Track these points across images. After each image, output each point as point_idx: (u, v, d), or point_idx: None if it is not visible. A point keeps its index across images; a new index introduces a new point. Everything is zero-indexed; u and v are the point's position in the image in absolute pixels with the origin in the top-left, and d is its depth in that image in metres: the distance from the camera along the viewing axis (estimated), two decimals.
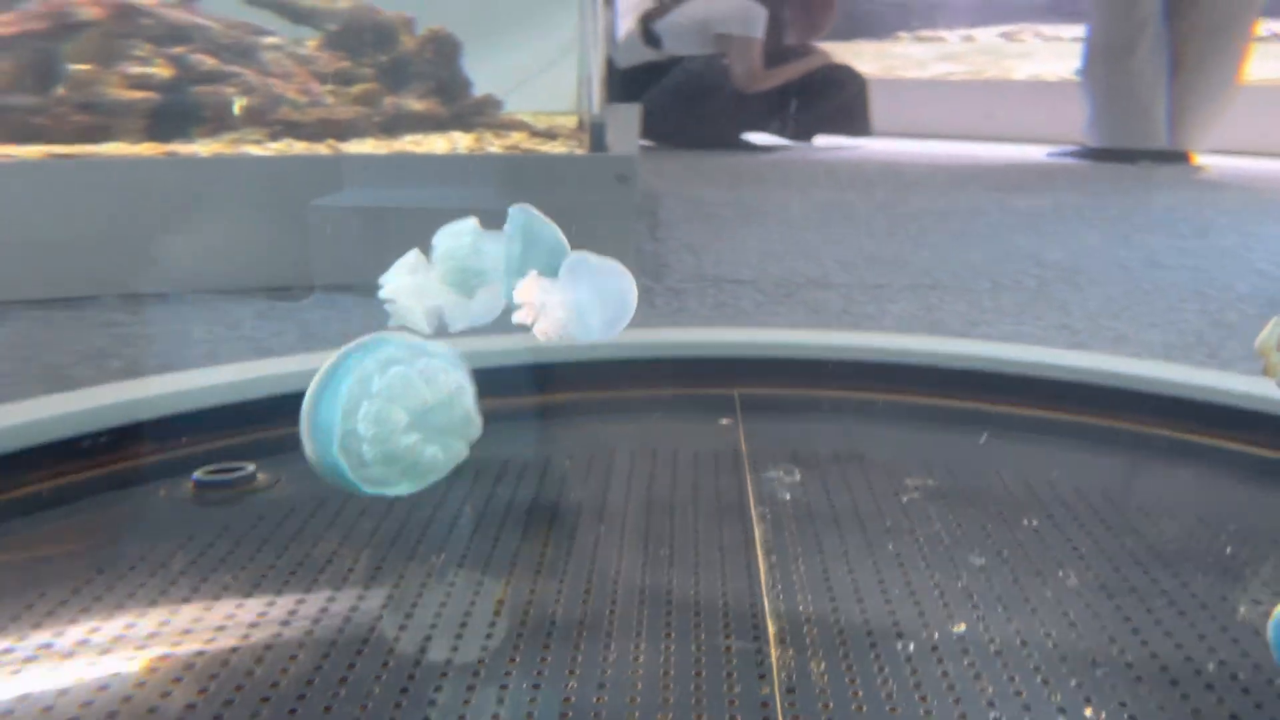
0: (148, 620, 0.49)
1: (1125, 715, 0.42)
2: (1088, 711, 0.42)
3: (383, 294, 0.62)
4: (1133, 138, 3.23)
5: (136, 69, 1.67)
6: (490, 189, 1.59)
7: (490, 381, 0.80)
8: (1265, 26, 3.78)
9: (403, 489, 0.53)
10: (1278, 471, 0.73)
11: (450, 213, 0.66)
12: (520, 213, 0.63)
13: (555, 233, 0.64)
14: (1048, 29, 4.19)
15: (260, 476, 0.66)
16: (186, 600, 0.51)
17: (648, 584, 0.53)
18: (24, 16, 1.63)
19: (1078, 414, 0.80)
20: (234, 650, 0.47)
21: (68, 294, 1.42)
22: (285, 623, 0.49)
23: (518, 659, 0.46)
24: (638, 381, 0.84)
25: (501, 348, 0.82)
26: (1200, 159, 3.23)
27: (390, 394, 0.45)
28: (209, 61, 1.74)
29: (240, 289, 1.50)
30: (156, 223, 1.47)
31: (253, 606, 0.51)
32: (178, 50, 1.72)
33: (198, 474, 0.65)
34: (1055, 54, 3.92)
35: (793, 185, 2.92)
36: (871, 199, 2.63)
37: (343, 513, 0.61)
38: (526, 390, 0.82)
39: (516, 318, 0.62)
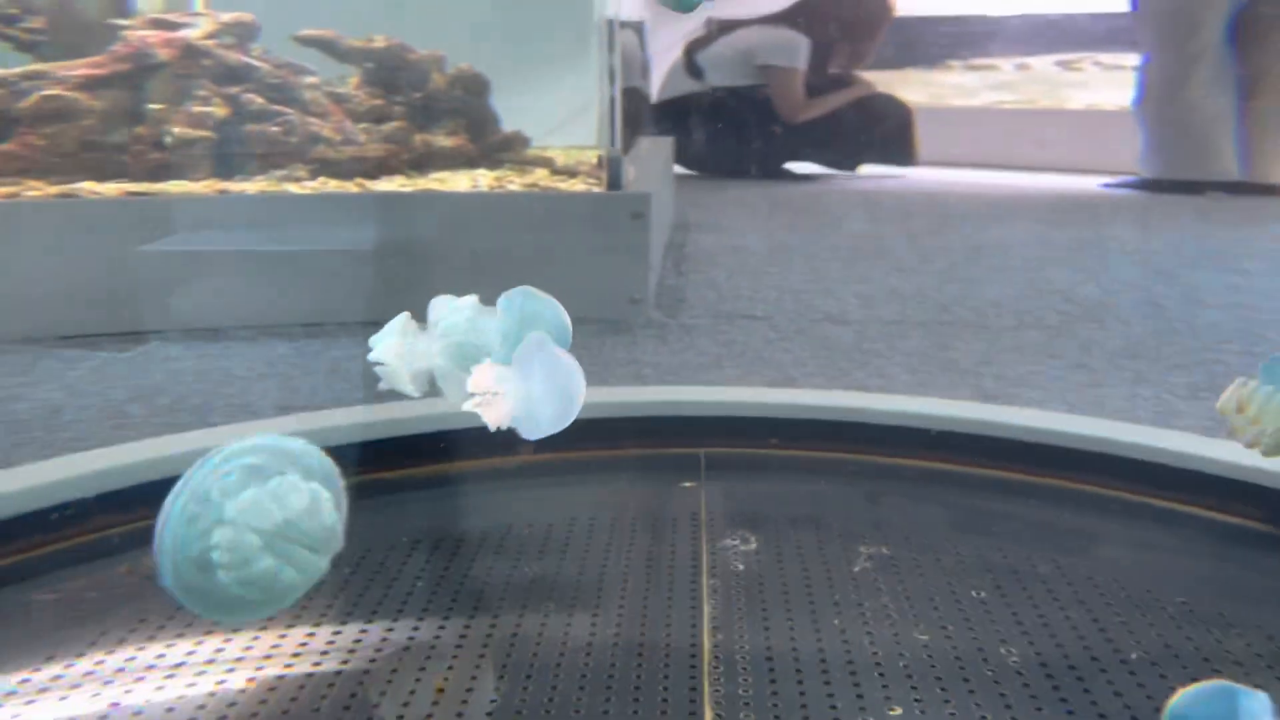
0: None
1: None
2: None
3: (372, 356, 0.62)
4: (1192, 169, 3.11)
5: (198, 108, 1.75)
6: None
7: (446, 444, 0.80)
8: None
9: (261, 613, 0.50)
10: (1236, 539, 0.68)
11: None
12: (518, 295, 0.62)
13: (556, 312, 0.64)
14: (1107, 58, 4.07)
15: None
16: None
17: (590, 667, 0.52)
18: (113, 59, 1.72)
19: (1036, 474, 0.76)
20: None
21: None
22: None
23: None
24: (604, 442, 0.83)
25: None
26: None
27: (244, 518, 0.44)
28: (258, 100, 1.81)
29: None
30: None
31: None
32: (233, 90, 1.80)
33: None
34: (1114, 83, 3.81)
35: (828, 216, 2.89)
36: (906, 231, 2.58)
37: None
38: (489, 452, 0.81)
39: (466, 405, 0.61)
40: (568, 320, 0.62)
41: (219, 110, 1.76)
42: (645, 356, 1.38)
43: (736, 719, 0.47)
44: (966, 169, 3.74)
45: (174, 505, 0.43)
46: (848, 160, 3.70)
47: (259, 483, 0.45)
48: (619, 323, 1.54)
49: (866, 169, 3.70)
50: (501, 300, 0.61)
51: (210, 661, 0.51)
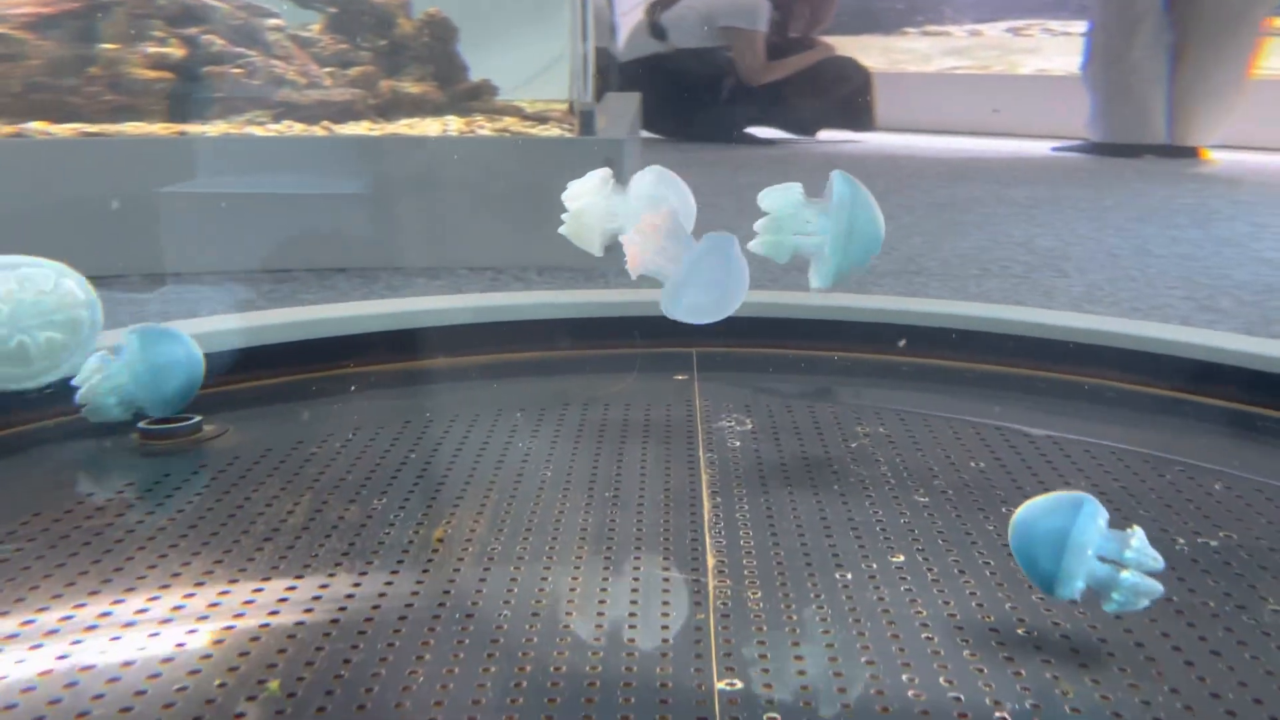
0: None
1: (1057, 634, 0.46)
2: (1019, 631, 0.46)
3: (566, 202, 0.64)
4: (1132, 132, 3.25)
5: (154, 49, 1.73)
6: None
7: (464, 338, 0.85)
8: None
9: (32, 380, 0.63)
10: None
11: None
12: (844, 183, 0.63)
13: (875, 222, 0.63)
14: (1056, 24, 4.20)
15: (207, 427, 0.69)
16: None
17: (590, 522, 0.57)
18: None
19: (1028, 367, 0.84)
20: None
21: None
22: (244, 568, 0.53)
23: (452, 591, 0.49)
24: (598, 341, 0.88)
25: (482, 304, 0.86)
26: (1212, 154, 3.23)
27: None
28: (218, 42, 1.79)
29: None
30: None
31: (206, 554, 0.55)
32: (191, 31, 1.78)
33: (142, 424, 0.67)
34: (1062, 49, 3.93)
35: (791, 176, 2.94)
36: (869, 190, 2.66)
37: (288, 460, 0.64)
38: (495, 347, 0.86)
39: (626, 235, 0.62)
40: (881, 230, 0.63)
41: (175, 50, 1.74)
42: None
43: (738, 566, 0.52)
44: (923, 134, 3.84)
45: None
46: (807, 125, 3.76)
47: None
48: (593, 270, 1.58)
49: (825, 134, 3.77)
50: (837, 183, 0.62)
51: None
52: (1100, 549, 0.44)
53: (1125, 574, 0.43)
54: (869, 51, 4.08)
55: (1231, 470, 0.66)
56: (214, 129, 1.73)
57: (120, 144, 1.60)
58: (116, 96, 1.69)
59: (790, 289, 1.62)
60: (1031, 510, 0.45)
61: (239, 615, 0.47)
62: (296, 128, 1.76)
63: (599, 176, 0.65)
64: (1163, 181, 2.79)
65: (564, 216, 0.66)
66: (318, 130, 1.77)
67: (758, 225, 0.64)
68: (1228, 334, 0.84)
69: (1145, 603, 0.44)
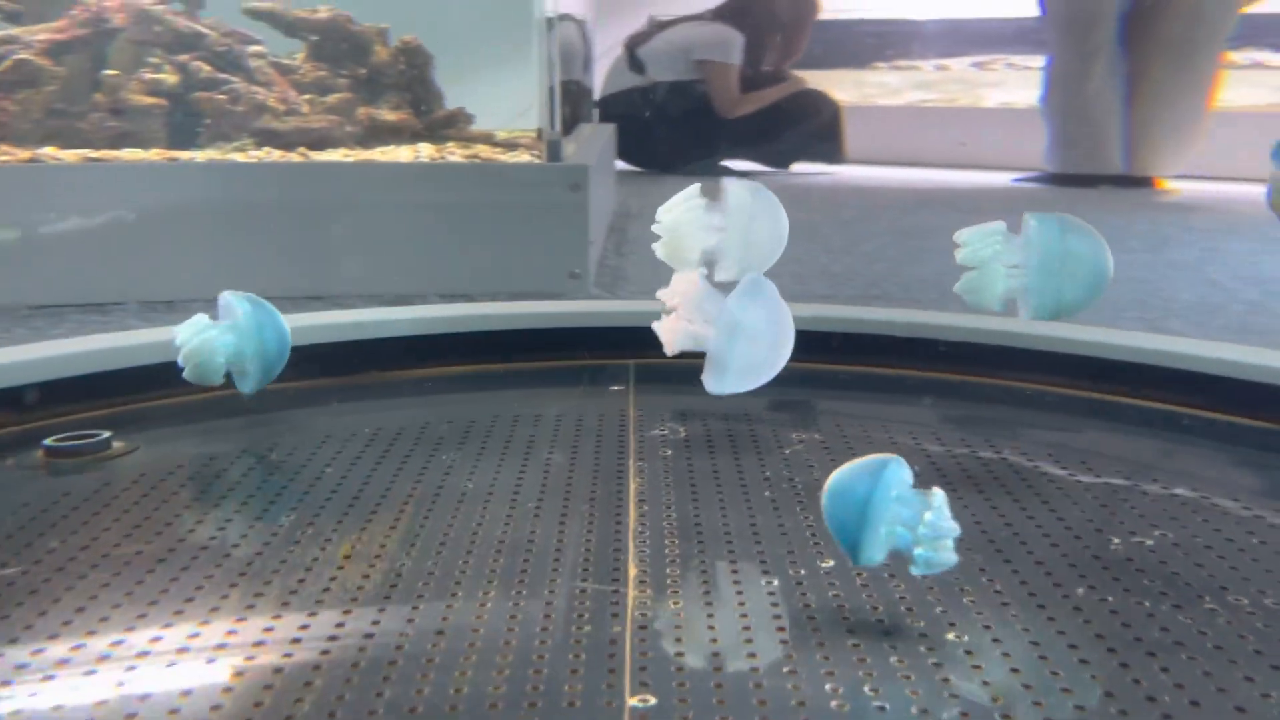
0: None
1: (989, 639, 0.44)
2: (949, 635, 0.44)
3: (660, 224, 0.61)
4: (1088, 163, 3.30)
5: (151, 75, 1.75)
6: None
7: (393, 352, 0.83)
8: (1245, 55, 3.85)
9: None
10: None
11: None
12: (1048, 224, 0.59)
13: (1096, 255, 0.59)
14: (1018, 59, 4.28)
15: (116, 444, 0.66)
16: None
17: (509, 535, 0.54)
18: (72, 23, 1.69)
19: (964, 374, 0.84)
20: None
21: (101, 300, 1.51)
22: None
23: (352, 610, 0.46)
24: (535, 353, 0.87)
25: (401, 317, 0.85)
26: (1170, 184, 3.28)
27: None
28: (205, 68, 1.80)
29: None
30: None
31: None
32: (183, 58, 1.79)
33: (48, 441, 0.64)
34: (1025, 82, 4.00)
35: None
36: (836, 219, 2.68)
37: (196, 477, 0.62)
38: (432, 360, 0.84)
39: (655, 325, 0.59)
40: (1109, 264, 0.59)
41: (170, 77, 1.76)
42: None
43: (661, 577, 0.50)
44: (893, 166, 3.88)
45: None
46: (781, 157, 3.79)
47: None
48: (559, 296, 1.57)
49: (798, 166, 3.80)
50: (1034, 222, 0.58)
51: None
52: (899, 515, 0.43)
53: (922, 531, 0.43)
54: (841, 85, 4.14)
55: (1164, 469, 0.65)
56: (202, 155, 1.74)
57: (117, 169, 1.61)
58: (117, 122, 1.71)
59: None
60: (839, 477, 0.45)
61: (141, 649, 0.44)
62: (275, 154, 1.76)
63: (691, 193, 0.62)
64: (1118, 210, 2.83)
65: (658, 229, 0.62)
66: (294, 157, 1.77)
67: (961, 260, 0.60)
68: (1162, 336, 0.84)
69: (944, 568, 0.43)
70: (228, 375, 0.67)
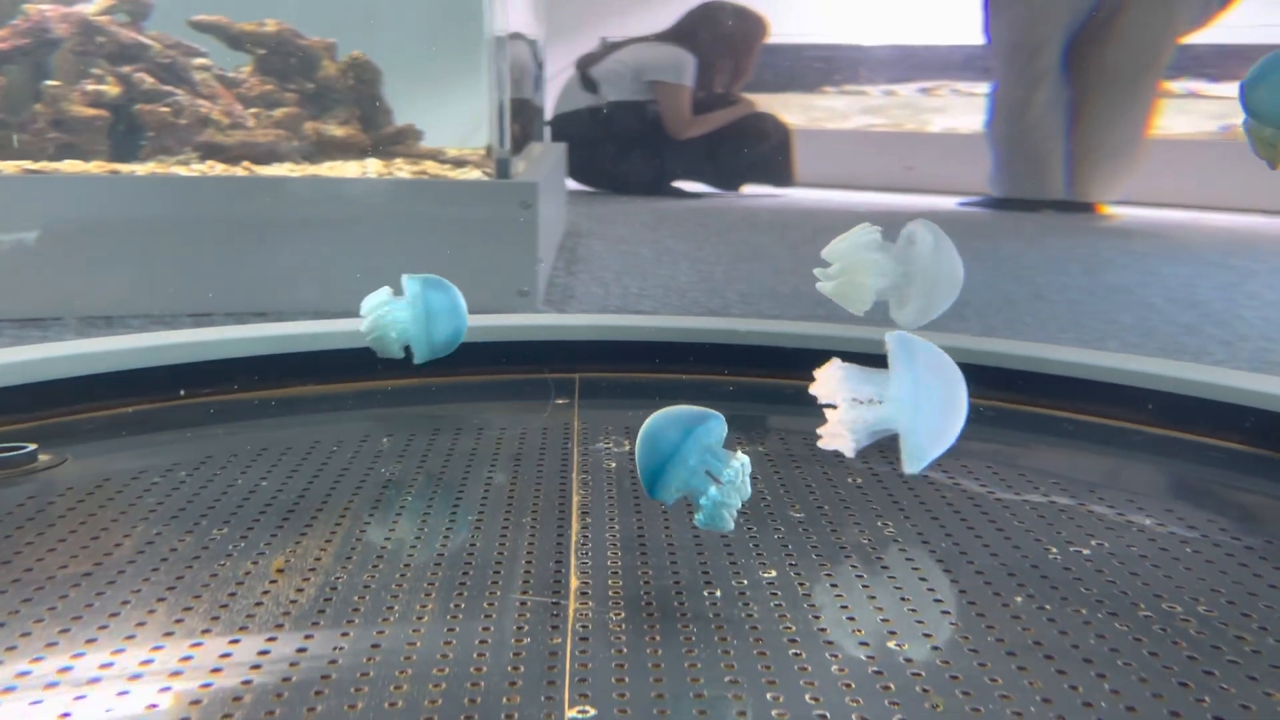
0: None
1: (928, 647, 0.45)
2: (890, 645, 0.44)
3: (827, 256, 0.59)
4: (1031, 188, 3.39)
5: (92, 86, 1.70)
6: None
7: (329, 365, 0.81)
8: (1181, 84, 4.00)
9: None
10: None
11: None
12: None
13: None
14: (963, 85, 4.40)
15: (42, 456, 0.64)
16: None
17: (449, 547, 0.53)
18: (13, 33, 1.64)
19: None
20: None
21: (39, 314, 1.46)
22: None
23: (285, 624, 0.45)
24: (478, 366, 0.86)
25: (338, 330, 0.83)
26: (1110, 209, 3.39)
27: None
28: (148, 80, 1.76)
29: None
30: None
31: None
32: (126, 69, 1.75)
33: None
34: (970, 108, 4.11)
35: (711, 228, 3.00)
36: (784, 240, 2.71)
37: (125, 490, 0.60)
38: (373, 372, 0.83)
39: (817, 395, 0.54)
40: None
41: (112, 89, 1.72)
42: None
43: (603, 589, 0.49)
44: (842, 189, 3.95)
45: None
46: (731, 179, 3.84)
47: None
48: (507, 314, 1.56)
49: (747, 188, 3.85)
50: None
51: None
52: (705, 462, 0.47)
53: (712, 490, 0.46)
54: (790, 108, 4.21)
55: (1103, 483, 0.66)
56: (143, 168, 1.70)
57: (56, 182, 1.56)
58: (58, 134, 1.66)
59: (683, 314, 1.63)
60: (661, 415, 0.48)
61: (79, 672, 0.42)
62: (219, 168, 1.73)
63: (865, 230, 0.59)
64: (1059, 234, 2.91)
65: (824, 273, 0.59)
66: (239, 171, 1.74)
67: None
68: (1102, 353, 0.86)
69: (723, 526, 0.47)
70: (406, 348, 0.70)
